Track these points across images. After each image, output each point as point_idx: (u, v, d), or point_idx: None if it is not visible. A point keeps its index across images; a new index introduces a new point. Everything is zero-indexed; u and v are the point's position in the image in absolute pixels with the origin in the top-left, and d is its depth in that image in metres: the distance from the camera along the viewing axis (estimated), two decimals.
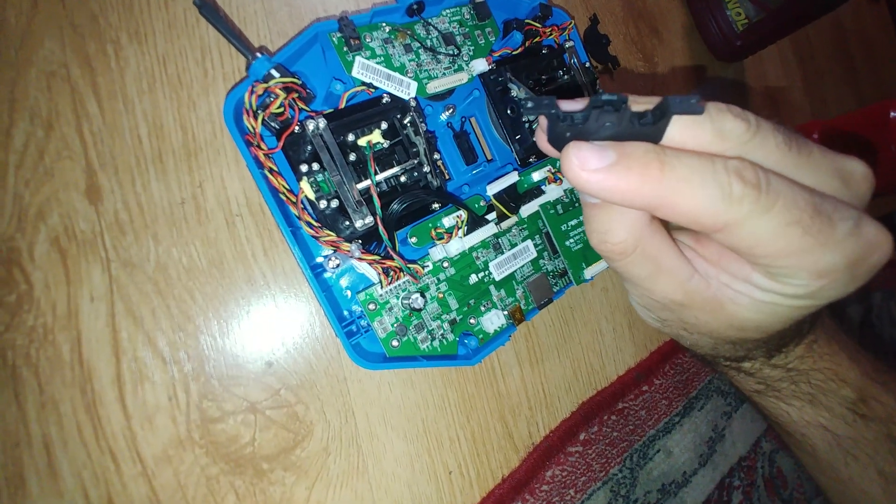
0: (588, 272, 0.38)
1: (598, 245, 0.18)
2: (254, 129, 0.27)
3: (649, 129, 0.15)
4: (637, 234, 0.17)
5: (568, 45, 0.40)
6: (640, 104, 0.15)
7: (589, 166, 0.14)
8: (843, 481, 0.27)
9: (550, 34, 0.39)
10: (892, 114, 0.52)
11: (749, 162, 0.15)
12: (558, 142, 0.16)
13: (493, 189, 0.35)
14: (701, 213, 0.15)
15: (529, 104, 0.15)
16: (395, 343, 0.30)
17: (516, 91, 0.37)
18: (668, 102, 0.14)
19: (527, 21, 0.38)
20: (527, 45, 0.37)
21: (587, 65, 0.41)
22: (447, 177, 0.35)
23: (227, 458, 0.29)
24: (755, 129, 0.15)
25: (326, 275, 0.30)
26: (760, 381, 0.24)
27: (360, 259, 0.29)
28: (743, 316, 0.18)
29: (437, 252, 0.32)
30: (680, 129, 0.15)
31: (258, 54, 0.27)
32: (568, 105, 0.15)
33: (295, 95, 0.28)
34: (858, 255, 0.15)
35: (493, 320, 0.34)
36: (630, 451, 0.43)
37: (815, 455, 0.27)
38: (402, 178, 0.32)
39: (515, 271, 0.36)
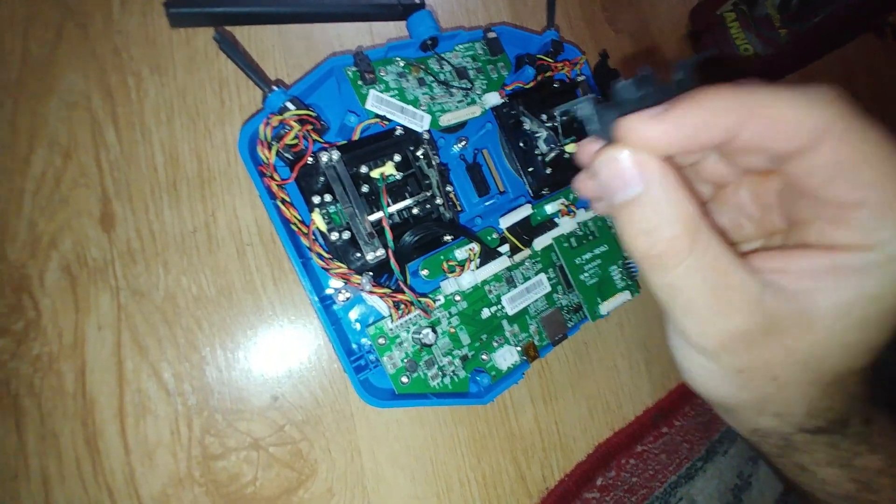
0: (604, 307, 0.37)
1: (643, 249, 0.14)
2: (268, 159, 0.27)
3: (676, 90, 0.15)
4: (693, 228, 0.13)
5: (580, 79, 0.41)
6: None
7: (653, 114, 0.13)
8: None
9: (562, 69, 0.39)
10: None
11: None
12: (604, 133, 0.15)
13: (506, 222, 0.35)
14: (795, 124, 0.13)
15: (593, 125, 0.15)
16: (404, 379, 0.29)
17: (529, 124, 0.37)
18: (680, 63, 0.15)
19: (538, 56, 0.38)
20: (539, 79, 0.38)
21: (599, 98, 0.42)
22: (459, 209, 0.35)
23: (227, 497, 0.28)
24: None
25: (336, 307, 0.30)
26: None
27: (370, 292, 0.28)
28: (832, 325, 0.14)
29: (449, 285, 0.31)
30: None
31: (274, 87, 0.28)
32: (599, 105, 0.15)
33: (309, 127, 0.28)
34: None
35: (505, 357, 0.33)
36: (651, 497, 0.41)
37: None
38: (415, 210, 0.32)
39: (529, 306, 0.35)
